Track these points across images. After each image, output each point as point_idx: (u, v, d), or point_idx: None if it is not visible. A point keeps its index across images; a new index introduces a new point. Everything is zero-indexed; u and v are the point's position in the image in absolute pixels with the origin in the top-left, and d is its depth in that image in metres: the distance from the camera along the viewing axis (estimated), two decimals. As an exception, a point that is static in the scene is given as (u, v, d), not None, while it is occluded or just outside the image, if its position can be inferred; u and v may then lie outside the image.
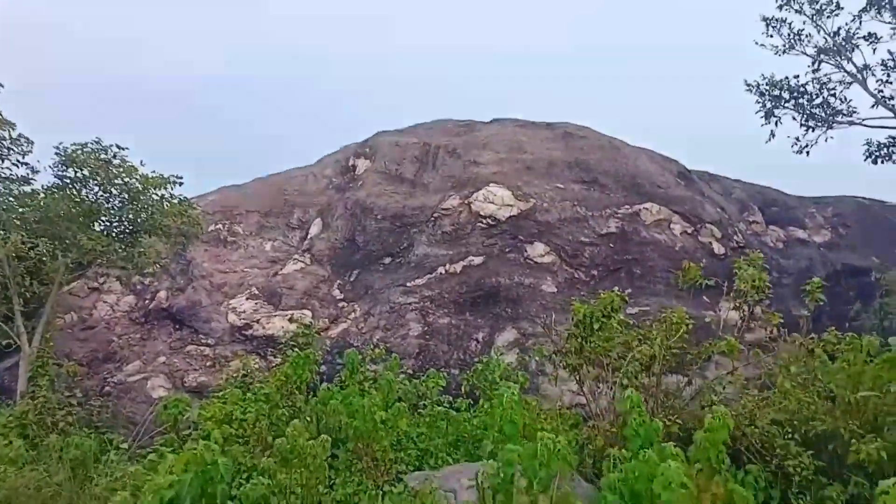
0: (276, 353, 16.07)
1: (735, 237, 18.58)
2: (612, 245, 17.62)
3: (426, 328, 16.17)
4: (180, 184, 15.38)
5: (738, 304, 10.92)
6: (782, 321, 11.28)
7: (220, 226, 21.04)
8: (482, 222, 18.21)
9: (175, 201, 15.11)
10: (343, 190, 21.96)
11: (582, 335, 10.83)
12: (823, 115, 21.95)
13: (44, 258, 14.01)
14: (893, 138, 22.38)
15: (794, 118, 23.10)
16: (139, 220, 14.81)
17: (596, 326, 10.66)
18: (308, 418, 11.50)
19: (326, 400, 10.62)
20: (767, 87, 22.41)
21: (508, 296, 16.54)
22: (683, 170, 20.71)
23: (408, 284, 17.35)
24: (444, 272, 17.49)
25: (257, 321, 16.82)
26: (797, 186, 28.48)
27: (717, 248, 18.13)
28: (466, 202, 18.68)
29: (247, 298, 17.82)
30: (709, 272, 18.00)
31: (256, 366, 15.16)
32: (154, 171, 14.96)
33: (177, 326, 17.27)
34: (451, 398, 12.28)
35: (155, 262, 15.60)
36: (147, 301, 18.16)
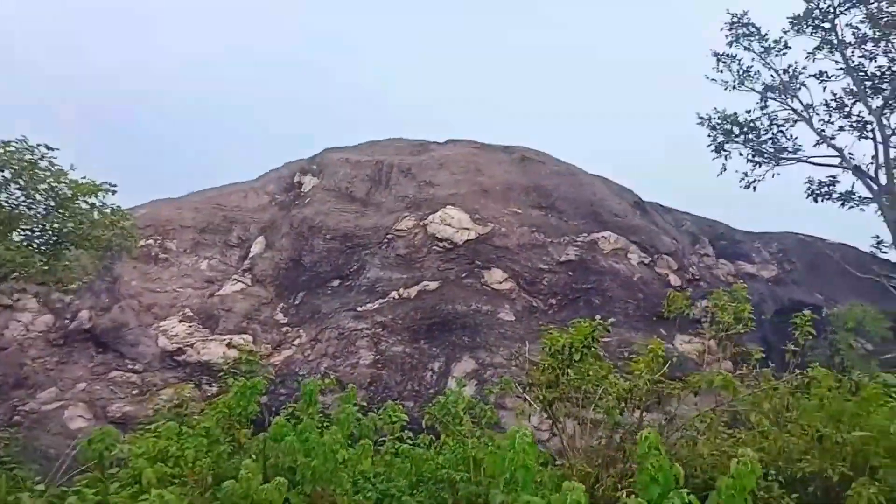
0: (212, 382, 14.71)
1: (690, 269, 18.44)
2: (570, 273, 17.13)
3: (378, 357, 15.15)
4: (113, 192, 13.93)
5: (718, 337, 10.48)
6: (750, 356, 10.91)
7: (150, 241, 19.44)
8: (438, 245, 17.43)
9: (107, 210, 13.65)
10: (288, 208, 20.78)
11: (559, 367, 10.09)
12: (771, 151, 22.38)
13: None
14: (833, 177, 23.02)
15: (740, 153, 23.47)
16: (65, 231, 13.26)
17: (576, 357, 9.95)
18: (253, 456, 10.29)
19: (280, 436, 9.46)
20: (719, 122, 22.71)
21: (465, 323, 15.75)
22: (638, 199, 20.58)
23: (358, 309, 16.32)
24: (397, 297, 16.56)
25: (191, 346, 15.39)
26: (743, 219, 28.99)
27: (674, 280, 17.91)
28: (422, 224, 17.88)
29: (180, 321, 16.36)
30: (658, 303, 17.92)
31: (191, 395, 13.75)
32: (84, 177, 13.49)
33: (100, 350, 15.63)
34: (410, 433, 11.31)
35: (80, 277, 14.01)
36: (67, 321, 16.42)
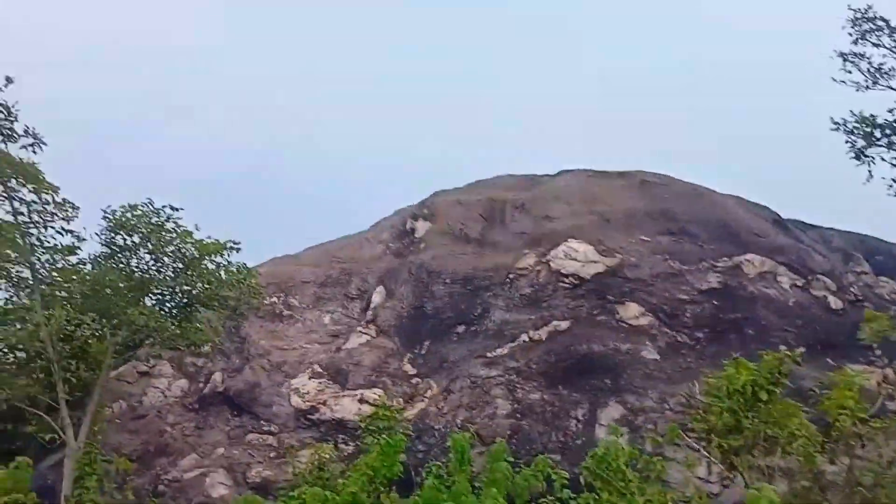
0: (348, 440, 14.24)
1: (850, 289, 16.50)
2: (715, 302, 15.67)
3: (516, 405, 14.24)
4: (237, 250, 13.96)
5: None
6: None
7: (274, 299, 19.53)
8: (564, 282, 16.44)
9: (233, 269, 13.64)
10: (403, 255, 20.44)
11: (740, 409, 8.84)
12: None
13: (91, 338, 12.55)
14: None
15: (883, 158, 21.12)
16: (195, 292, 13.34)
17: (762, 397, 8.68)
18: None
19: (434, 501, 8.72)
20: (857, 125, 20.60)
21: (605, 365, 14.60)
22: (777, 217, 18.87)
23: (488, 355, 15.51)
24: (527, 340, 15.65)
25: (324, 403, 15.04)
26: (888, 232, 26.14)
27: (834, 302, 16.06)
28: (544, 260, 16.98)
29: (309, 377, 16.11)
30: (828, 329, 16.05)
31: (329, 456, 13.32)
32: (209, 237, 13.57)
33: (235, 412, 15.57)
34: (567, 491, 10.29)
35: (211, 339, 14.01)
36: (201, 384, 16.55)
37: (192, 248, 13.09)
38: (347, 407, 14.76)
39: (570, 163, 22.80)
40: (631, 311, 15.62)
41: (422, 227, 20.78)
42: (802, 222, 19.61)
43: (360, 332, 17.46)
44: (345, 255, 22.03)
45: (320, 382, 15.79)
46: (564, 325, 15.75)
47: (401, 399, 14.96)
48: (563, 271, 16.56)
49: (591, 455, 10.77)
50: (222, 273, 13.50)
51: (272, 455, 14.22)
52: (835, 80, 22.00)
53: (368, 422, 12.19)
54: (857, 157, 21.14)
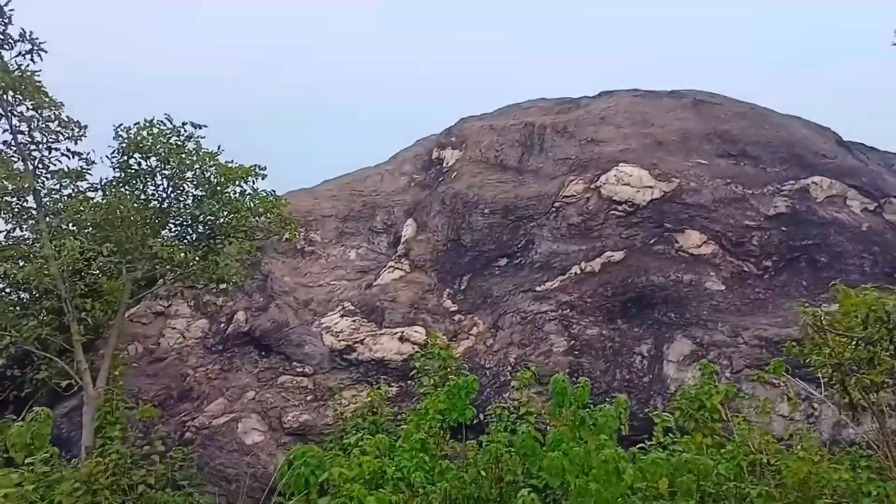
0: (390, 381, 13.07)
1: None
2: (783, 228, 14.34)
3: (572, 342, 13.03)
4: (263, 176, 12.50)
5: None
6: None
7: (295, 234, 18.13)
8: (617, 209, 15.06)
9: (261, 196, 12.20)
10: (431, 186, 19.00)
11: (883, 338, 7.60)
12: None
13: (105, 273, 11.18)
14: None
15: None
16: (219, 222, 11.92)
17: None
18: (483, 473, 8.42)
19: (532, 450, 7.53)
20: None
21: (667, 298, 13.34)
22: (839, 138, 17.37)
23: (537, 289, 14.24)
24: (579, 272, 14.36)
25: (361, 342, 13.81)
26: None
27: (910, 226, 14.70)
28: (593, 186, 15.56)
29: (341, 315, 14.84)
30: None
31: (379, 397, 12.17)
32: (233, 160, 12.08)
33: (263, 353, 14.34)
34: (671, 437, 9.18)
35: (238, 274, 12.66)
36: (223, 324, 15.29)
37: (216, 173, 11.61)
38: (387, 346, 13.53)
39: (607, 84, 21.04)
40: (692, 240, 14.30)
41: (450, 155, 19.28)
42: (863, 144, 18.14)
43: (393, 267, 16.14)
44: (365, 188, 20.57)
45: (354, 321, 14.53)
46: (618, 255, 14.44)
47: (444, 337, 13.73)
48: (615, 198, 15.16)
49: (680, 394, 9.64)
50: (249, 201, 12.06)
51: (309, 398, 13.05)
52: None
53: (420, 361, 10.94)
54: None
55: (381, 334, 13.91)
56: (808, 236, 14.17)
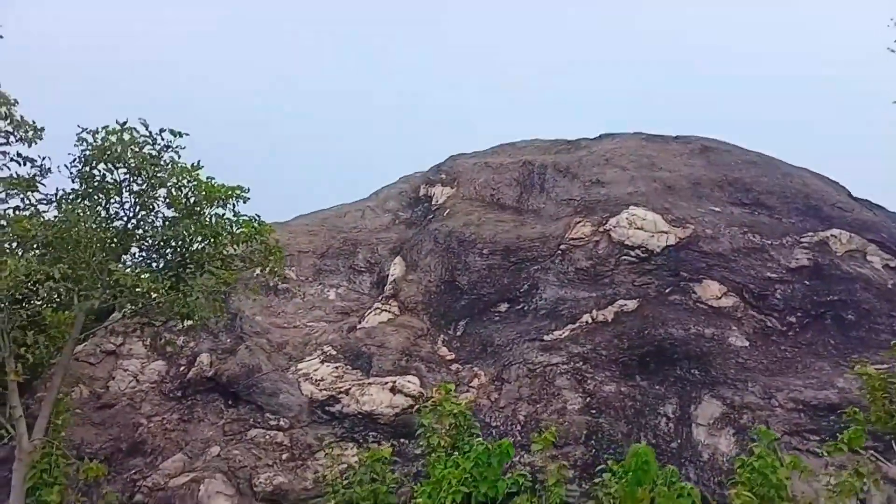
0: (380, 438, 11.37)
1: (947, 271, 14.40)
2: (807, 283, 13.36)
3: (588, 399, 11.61)
4: (245, 199, 10.93)
5: None
6: None
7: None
8: (629, 254, 13.91)
9: (244, 219, 10.61)
10: (418, 224, 17.64)
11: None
12: None
13: (55, 301, 9.37)
14: None
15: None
16: (192, 248, 10.25)
17: None
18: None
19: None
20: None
21: (689, 353, 12.10)
22: (849, 192, 16.71)
23: (546, 338, 12.85)
24: (590, 321, 13.06)
25: (346, 392, 12.12)
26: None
27: (932, 286, 13.88)
28: (603, 229, 14.41)
29: (322, 361, 13.16)
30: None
31: (354, 458, 10.46)
32: (213, 178, 10.49)
33: (230, 402, 12.50)
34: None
35: (212, 312, 10.91)
36: (183, 368, 13.40)
37: (194, 191, 10.00)
38: (377, 397, 11.87)
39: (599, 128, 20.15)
40: (711, 291, 13.18)
41: (441, 192, 18.01)
42: (869, 201, 17.53)
43: (380, 308, 14.57)
44: (344, 224, 19.11)
45: (336, 367, 12.86)
46: (632, 304, 13.21)
47: (454, 389, 12.13)
48: (627, 242, 14.01)
49: (740, 465, 8.25)
50: (229, 225, 10.44)
51: (284, 457, 11.22)
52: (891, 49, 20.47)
53: (428, 416, 9.31)
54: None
55: (370, 384, 12.25)
56: (833, 292, 13.19)
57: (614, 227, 14.27)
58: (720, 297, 13.14)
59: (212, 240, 10.19)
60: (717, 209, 14.97)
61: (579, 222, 14.76)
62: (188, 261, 10.56)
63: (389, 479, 8.67)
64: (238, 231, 10.46)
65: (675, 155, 16.68)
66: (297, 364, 13.29)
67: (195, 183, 10.03)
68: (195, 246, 10.34)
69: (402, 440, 11.31)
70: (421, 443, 9.12)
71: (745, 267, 13.53)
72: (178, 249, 10.39)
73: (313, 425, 11.76)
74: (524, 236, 14.88)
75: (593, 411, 11.40)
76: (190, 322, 11.36)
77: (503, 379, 12.18)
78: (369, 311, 14.74)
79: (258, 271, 11.51)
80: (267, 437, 11.57)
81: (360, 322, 14.52)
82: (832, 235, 14.31)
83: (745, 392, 11.42)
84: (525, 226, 15.30)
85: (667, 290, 13.44)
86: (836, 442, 7.92)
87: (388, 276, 15.89)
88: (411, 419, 11.62)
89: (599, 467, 9.45)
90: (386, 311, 14.44)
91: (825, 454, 8.93)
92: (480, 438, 9.23)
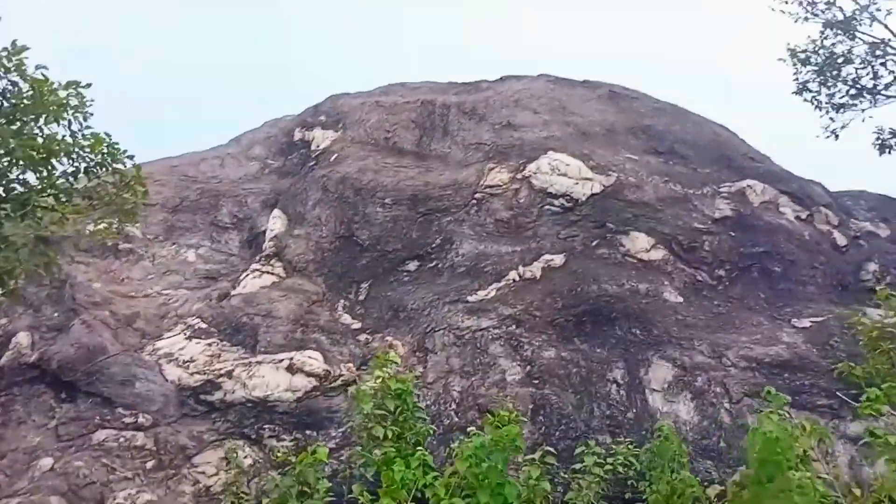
0: (279, 432, 8.91)
1: (851, 224, 14.39)
2: (732, 234, 12.58)
3: (528, 367, 9.92)
4: (86, 113, 7.86)
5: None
6: None
7: (103, 226, 13.06)
8: (553, 204, 12.36)
9: (91, 136, 7.58)
10: (295, 173, 14.94)
11: None
12: (870, 86, 18.94)
13: None
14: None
15: (815, 100, 19.86)
16: (13, 176, 7.11)
17: None
18: None
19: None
20: (804, 55, 18.99)
21: (627, 311, 10.81)
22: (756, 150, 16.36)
23: (469, 300, 10.96)
24: (517, 279, 11.35)
25: (227, 375, 9.45)
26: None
27: (839, 238, 13.78)
28: (521, 176, 12.73)
29: (188, 337, 10.33)
30: (838, 268, 13.83)
31: (249, 460, 8.01)
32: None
33: (64, 396, 9.34)
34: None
35: (29, 267, 7.82)
36: (-9, 352, 9.96)
37: (13, 86, 6.81)
38: (270, 379, 9.34)
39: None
40: (639, 243, 11.98)
41: (322, 136, 15.39)
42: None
43: (258, 270, 11.89)
44: (199, 173, 15.90)
45: (210, 344, 10.12)
46: (559, 259, 11.70)
47: (351, 363, 9.87)
48: (550, 190, 12.44)
49: (754, 434, 6.87)
50: (68, 141, 7.36)
51: (149, 465, 8.40)
52: (772, 9, 20.70)
53: (367, 399, 6.95)
54: (800, 92, 19.92)
55: (258, 363, 9.66)
56: (758, 243, 12.51)
57: (535, 173, 12.62)
58: (649, 250, 11.97)
59: (41, 158, 7.09)
60: (635, 157, 13.82)
61: (493, 168, 12.96)
62: (5, 195, 7.35)
63: (323, 489, 6.33)
64: (81, 151, 7.40)
65: (584, 100, 15.36)
66: (155, 342, 10.34)
67: (18, 72, 6.85)
68: (14, 173, 7.17)
69: (307, 432, 8.94)
70: (358, 434, 6.83)
71: (672, 217, 12.47)
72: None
73: (185, 420, 9.01)
74: (432, 183, 12.82)
75: (536, 381, 9.72)
76: (4, 289, 8.13)
77: (426, 349, 10.14)
78: (245, 273, 12.00)
79: (101, 221, 8.45)
80: (121, 439, 8.65)
81: (233, 288, 11.76)
82: (748, 186, 13.66)
83: (692, 351, 10.30)
84: (432, 172, 13.24)
85: (593, 243, 12.06)
86: (864, 403, 6.76)
87: (263, 232, 13.19)
88: (316, 405, 9.30)
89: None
90: (268, 273, 11.79)
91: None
92: (429, 425, 7.15)
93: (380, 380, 6.89)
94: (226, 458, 8.26)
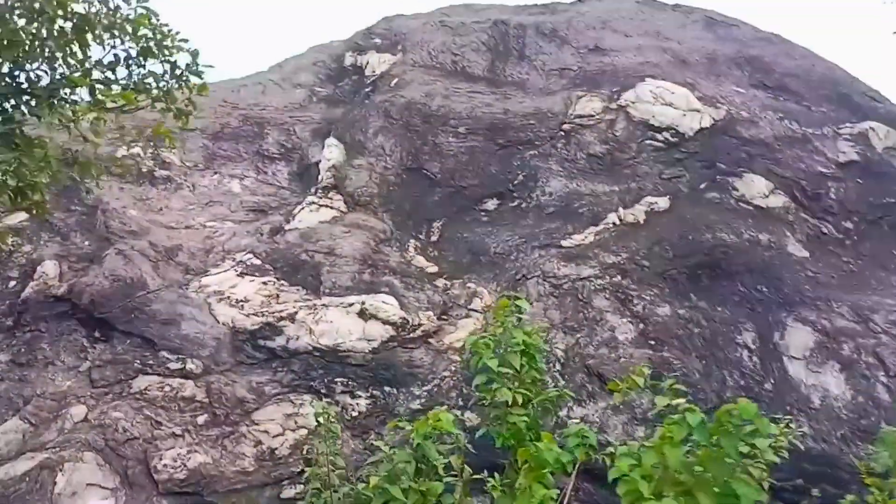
0: (355, 388, 7.48)
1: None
2: (859, 181, 10.84)
3: (641, 325, 8.38)
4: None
5: None
6: None
7: (136, 149, 11.56)
8: (656, 139, 10.67)
9: (134, 10, 5.98)
10: (348, 101, 13.27)
11: None
12: None
13: None
14: None
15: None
16: (41, 54, 5.56)
17: None
18: None
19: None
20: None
21: (749, 264, 9.22)
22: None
23: (563, 244, 9.38)
24: (617, 222, 9.75)
25: (289, 318, 8.00)
26: None
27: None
28: (617, 105, 11.01)
29: (240, 274, 8.87)
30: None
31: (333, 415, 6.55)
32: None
33: (97, 335, 7.95)
34: None
35: (59, 179, 6.34)
36: (14, 284, 8.59)
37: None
38: (340, 325, 7.90)
39: None
40: (756, 188, 10.30)
41: (379, 60, 13.67)
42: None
43: (315, 203, 10.38)
44: (240, 100, 14.25)
45: (265, 283, 8.65)
46: (663, 202, 10.07)
47: (430, 313, 8.39)
48: (652, 122, 10.74)
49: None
50: (110, 18, 5.78)
51: (201, 420, 7.03)
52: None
53: (487, 351, 5.40)
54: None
55: (325, 306, 8.19)
56: (889, 192, 10.77)
57: (633, 102, 10.91)
58: (767, 196, 10.29)
59: (75, 39, 5.53)
60: (741, 90, 12.03)
61: (582, 96, 11.23)
62: (27, 86, 5.81)
63: (460, 466, 4.89)
64: (122, 29, 5.83)
65: (679, 25, 13.50)
66: (201, 278, 8.89)
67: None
68: (39, 58, 5.61)
69: (386, 389, 7.50)
70: (480, 399, 5.35)
71: (792, 159, 10.74)
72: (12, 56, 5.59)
73: (242, 369, 7.60)
74: (512, 111, 11.14)
75: (652, 342, 8.20)
76: (27, 202, 6.63)
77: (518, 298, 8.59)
78: (299, 207, 10.48)
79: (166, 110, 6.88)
80: (167, 388, 7.27)
81: (287, 222, 10.25)
82: (870, 128, 11.84)
83: (832, 314, 8.70)
84: (510, 99, 11.54)
85: (702, 186, 10.39)
86: None
87: (316, 163, 11.61)
88: (394, 357, 7.84)
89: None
90: (326, 206, 10.27)
91: None
92: (564, 389, 5.66)
93: (501, 329, 5.35)
94: (292, 415, 6.85)
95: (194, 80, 6.36)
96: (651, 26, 13.05)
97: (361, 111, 12.15)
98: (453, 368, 7.69)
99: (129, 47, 6.36)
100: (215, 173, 12.11)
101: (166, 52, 6.38)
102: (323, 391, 7.38)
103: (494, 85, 12.17)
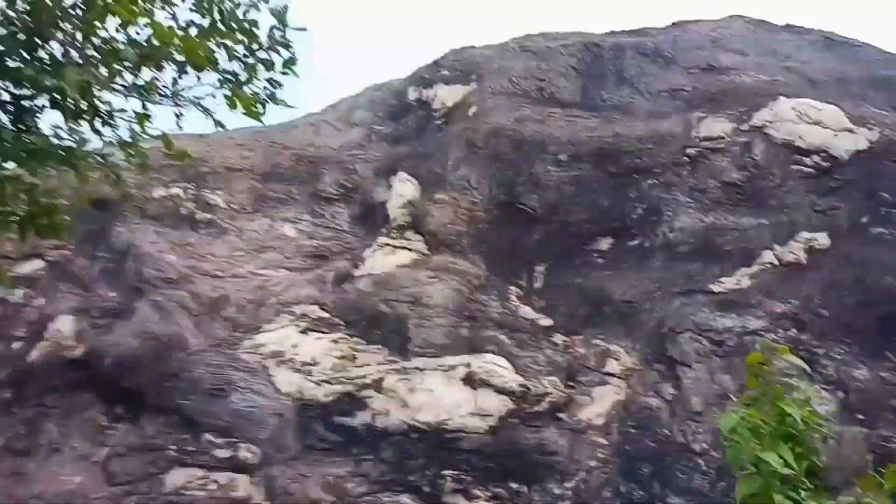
0: (468, 482, 5.35)
1: None
2: None
3: (840, 394, 6.23)
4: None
5: None
6: None
7: (177, 191, 9.97)
8: (804, 163, 8.70)
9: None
10: (413, 138, 11.59)
11: None
12: None
13: None
14: None
15: None
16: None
17: None
18: None
19: None
20: None
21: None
22: None
23: (713, 290, 7.35)
24: (775, 262, 7.70)
25: (375, 386, 6.00)
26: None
27: None
28: (751, 126, 9.12)
29: (302, 331, 6.95)
30: None
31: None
32: None
33: (122, 411, 6.01)
34: None
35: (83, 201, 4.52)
36: (20, 345, 6.75)
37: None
38: (442, 395, 5.87)
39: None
40: (934, 223, 8.18)
41: (449, 92, 11.97)
42: None
43: (389, 245, 8.52)
44: (291, 141, 12.70)
45: (335, 341, 6.72)
46: (821, 238, 8.00)
47: (556, 378, 6.31)
48: (798, 144, 8.78)
49: None
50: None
51: (258, 533, 4.96)
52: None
53: (756, 429, 3.39)
54: None
55: (418, 369, 6.19)
56: None
57: (771, 122, 9.00)
58: (950, 234, 8.19)
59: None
60: (885, 112, 10.11)
61: (705, 117, 9.38)
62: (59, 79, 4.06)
63: None
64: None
65: (797, 46, 11.73)
66: (254, 335, 7.00)
67: None
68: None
69: (512, 486, 5.40)
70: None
71: (970, 189, 8.67)
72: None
73: (313, 457, 5.56)
74: (623, 135, 9.31)
75: (860, 416, 6.01)
76: (42, 223, 4.78)
77: (672, 359, 6.54)
78: (370, 249, 8.64)
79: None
80: (212, 486, 5.25)
81: (355, 267, 8.39)
82: None
83: None
84: (614, 123, 9.73)
85: (862, 220, 8.34)
86: None
87: (382, 202, 9.83)
88: (517, 438, 5.76)
89: None
90: (403, 248, 8.41)
91: None
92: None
93: (778, 412, 3.30)
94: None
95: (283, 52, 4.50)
96: (767, 46, 11.30)
97: (434, 143, 10.46)
98: (601, 456, 5.58)
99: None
100: (265, 217, 10.37)
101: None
102: (426, 488, 5.29)
103: (592, 110, 10.41)
